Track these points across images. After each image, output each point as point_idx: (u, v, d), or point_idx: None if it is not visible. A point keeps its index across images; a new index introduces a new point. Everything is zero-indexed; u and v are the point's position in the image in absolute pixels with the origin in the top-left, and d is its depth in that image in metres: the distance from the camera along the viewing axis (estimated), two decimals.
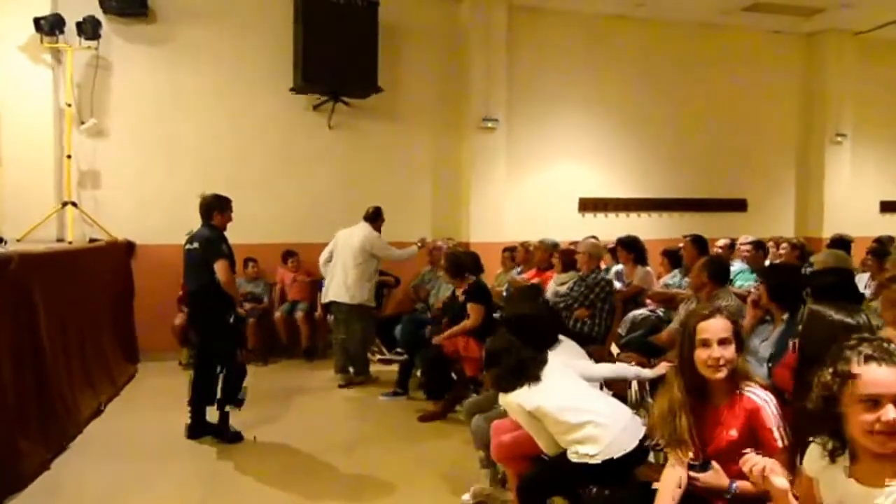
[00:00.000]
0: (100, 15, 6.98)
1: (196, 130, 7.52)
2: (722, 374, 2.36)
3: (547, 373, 3.06)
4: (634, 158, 9.26)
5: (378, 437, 5.05)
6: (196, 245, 4.89)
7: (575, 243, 6.49)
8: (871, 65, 10.14)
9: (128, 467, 4.37)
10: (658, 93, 9.24)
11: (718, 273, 4.50)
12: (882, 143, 10.44)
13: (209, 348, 5.03)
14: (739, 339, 2.45)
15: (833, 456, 1.85)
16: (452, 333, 5.34)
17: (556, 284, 5.87)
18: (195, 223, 7.21)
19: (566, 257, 6.04)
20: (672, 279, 5.93)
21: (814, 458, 1.92)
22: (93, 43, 6.90)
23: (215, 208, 5.04)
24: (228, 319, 4.92)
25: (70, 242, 6.78)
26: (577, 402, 2.95)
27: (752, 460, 2.01)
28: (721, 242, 6.94)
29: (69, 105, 6.90)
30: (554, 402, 2.92)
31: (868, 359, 1.75)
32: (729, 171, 9.73)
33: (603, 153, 9.13)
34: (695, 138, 9.47)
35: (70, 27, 6.78)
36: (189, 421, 4.93)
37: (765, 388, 2.44)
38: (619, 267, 6.46)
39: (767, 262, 6.44)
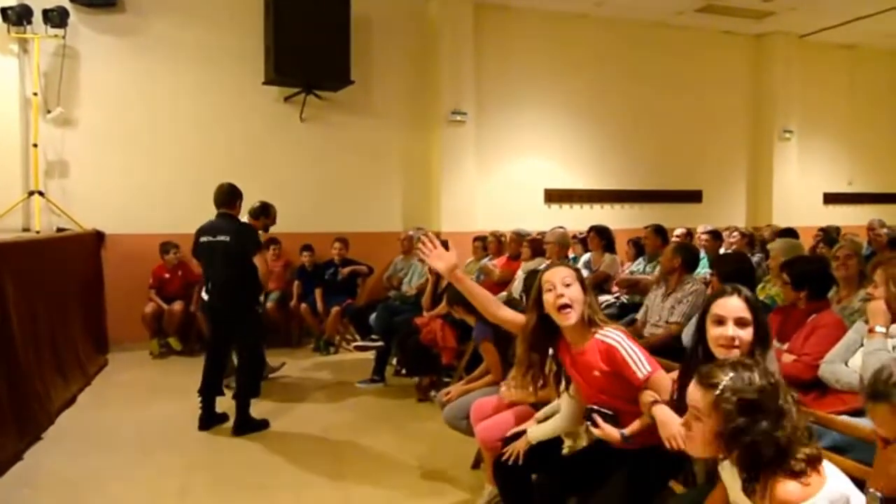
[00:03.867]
0: (68, 5, 6.89)
1: (166, 121, 7.47)
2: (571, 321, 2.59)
3: None
4: (597, 152, 9.54)
5: (356, 422, 5.08)
6: (227, 238, 4.75)
7: (542, 233, 6.73)
8: (816, 66, 10.70)
9: (103, 457, 4.33)
10: (618, 89, 9.54)
11: (690, 260, 4.75)
12: (826, 138, 10.98)
13: (233, 339, 4.98)
14: (583, 284, 2.67)
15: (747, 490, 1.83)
16: (432, 316, 5.50)
17: (524, 272, 6.07)
18: (165, 212, 7.34)
19: (535, 246, 6.29)
20: (637, 266, 6.21)
21: (727, 472, 1.96)
22: (59, 31, 6.80)
23: (238, 198, 4.98)
24: (257, 310, 4.98)
25: (37, 232, 6.70)
26: None
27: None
28: (678, 231, 7.12)
29: (35, 94, 6.80)
30: None
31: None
32: (685, 165, 10.11)
33: (567, 147, 9.37)
34: (653, 133, 9.80)
35: (37, 17, 6.70)
36: (201, 412, 4.87)
37: (616, 329, 2.62)
38: (587, 256, 6.73)
39: (721, 251, 6.78)
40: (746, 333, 2.23)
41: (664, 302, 4.64)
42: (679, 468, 2.69)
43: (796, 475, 1.71)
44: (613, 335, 2.57)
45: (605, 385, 2.57)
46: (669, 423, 2.24)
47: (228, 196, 4.92)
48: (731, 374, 1.79)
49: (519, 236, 6.75)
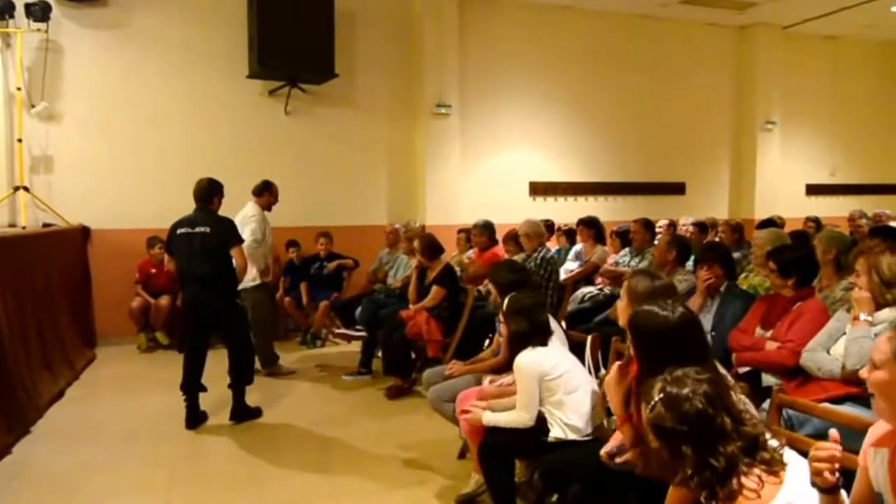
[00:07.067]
0: None
1: (150, 115, 7.45)
2: None
3: (552, 341, 3.27)
4: (581, 145, 9.58)
5: (343, 415, 5.11)
6: (207, 229, 4.72)
7: None
8: (799, 57, 10.77)
9: (91, 450, 4.36)
10: (602, 81, 9.59)
11: (683, 253, 4.89)
12: (808, 130, 11.09)
13: (218, 331, 5.00)
14: None
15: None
16: (418, 309, 5.53)
17: None
18: (150, 207, 7.34)
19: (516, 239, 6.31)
20: (622, 258, 6.27)
21: None
22: (41, 25, 6.77)
23: (217, 193, 4.94)
24: (238, 301, 5.02)
25: (23, 227, 6.70)
26: (570, 376, 3.13)
27: None
28: (661, 223, 7.13)
29: (19, 89, 6.78)
30: (558, 369, 3.11)
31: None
32: (668, 157, 10.17)
33: (551, 139, 9.41)
34: (637, 125, 9.86)
35: (20, 11, 6.66)
36: (187, 411, 4.80)
37: None
38: (579, 247, 6.79)
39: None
40: None
41: None
42: None
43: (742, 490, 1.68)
44: None
45: None
46: None
47: (206, 191, 4.89)
48: (662, 395, 1.76)
49: (480, 229, 6.59)
